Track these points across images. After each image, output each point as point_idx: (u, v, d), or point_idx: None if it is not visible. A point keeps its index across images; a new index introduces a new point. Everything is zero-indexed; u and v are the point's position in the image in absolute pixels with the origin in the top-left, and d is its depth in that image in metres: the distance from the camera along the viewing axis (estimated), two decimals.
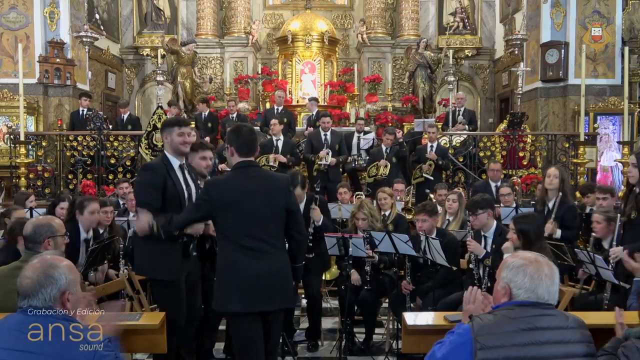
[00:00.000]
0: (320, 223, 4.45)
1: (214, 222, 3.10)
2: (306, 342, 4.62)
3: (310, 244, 4.29)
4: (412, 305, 4.21)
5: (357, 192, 6.98)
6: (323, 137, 7.67)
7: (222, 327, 4.19)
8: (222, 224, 2.99)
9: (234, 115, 9.51)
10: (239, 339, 3.00)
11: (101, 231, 4.51)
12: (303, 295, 5.04)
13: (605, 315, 3.18)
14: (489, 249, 3.97)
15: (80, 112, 9.17)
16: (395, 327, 4.28)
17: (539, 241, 3.48)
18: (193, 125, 7.75)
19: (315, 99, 9.78)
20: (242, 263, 2.90)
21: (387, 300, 4.74)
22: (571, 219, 4.63)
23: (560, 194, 4.61)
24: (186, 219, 3.16)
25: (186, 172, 3.47)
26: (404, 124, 10.70)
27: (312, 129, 8.82)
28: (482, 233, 4.06)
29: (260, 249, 2.93)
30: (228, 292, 2.92)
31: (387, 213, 5.02)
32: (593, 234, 4.18)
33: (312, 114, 9.32)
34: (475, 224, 4.04)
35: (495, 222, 4.10)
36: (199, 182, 3.55)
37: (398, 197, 5.91)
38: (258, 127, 8.38)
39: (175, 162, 3.41)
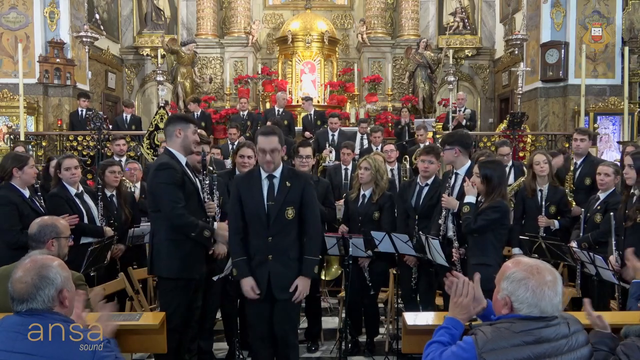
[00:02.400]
0: None
1: None
2: (306, 342, 4.61)
3: None
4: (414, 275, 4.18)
5: None
6: (330, 137, 7.66)
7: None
8: None
9: (245, 112, 9.52)
10: None
11: (108, 194, 4.59)
12: None
13: (604, 315, 3.16)
14: (457, 186, 3.93)
15: (80, 113, 9.17)
16: (396, 327, 4.28)
17: (501, 187, 3.52)
18: None
19: (310, 99, 9.76)
20: None
21: (385, 301, 4.75)
22: (566, 204, 4.82)
23: (550, 179, 4.78)
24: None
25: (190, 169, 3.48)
26: None
27: (307, 132, 8.81)
28: (455, 170, 4.00)
29: None
30: None
31: None
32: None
33: (310, 114, 9.31)
34: (443, 159, 4.15)
35: (469, 161, 4.01)
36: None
37: (389, 160, 5.72)
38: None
39: (183, 159, 3.39)
